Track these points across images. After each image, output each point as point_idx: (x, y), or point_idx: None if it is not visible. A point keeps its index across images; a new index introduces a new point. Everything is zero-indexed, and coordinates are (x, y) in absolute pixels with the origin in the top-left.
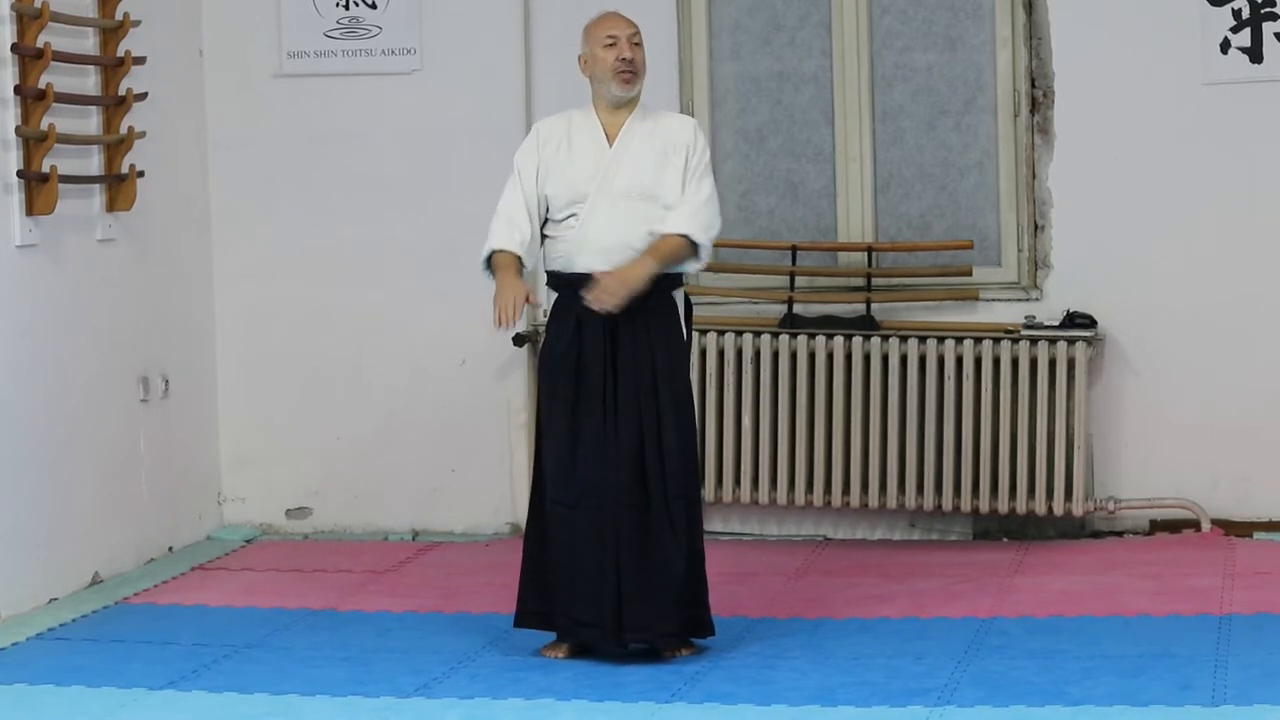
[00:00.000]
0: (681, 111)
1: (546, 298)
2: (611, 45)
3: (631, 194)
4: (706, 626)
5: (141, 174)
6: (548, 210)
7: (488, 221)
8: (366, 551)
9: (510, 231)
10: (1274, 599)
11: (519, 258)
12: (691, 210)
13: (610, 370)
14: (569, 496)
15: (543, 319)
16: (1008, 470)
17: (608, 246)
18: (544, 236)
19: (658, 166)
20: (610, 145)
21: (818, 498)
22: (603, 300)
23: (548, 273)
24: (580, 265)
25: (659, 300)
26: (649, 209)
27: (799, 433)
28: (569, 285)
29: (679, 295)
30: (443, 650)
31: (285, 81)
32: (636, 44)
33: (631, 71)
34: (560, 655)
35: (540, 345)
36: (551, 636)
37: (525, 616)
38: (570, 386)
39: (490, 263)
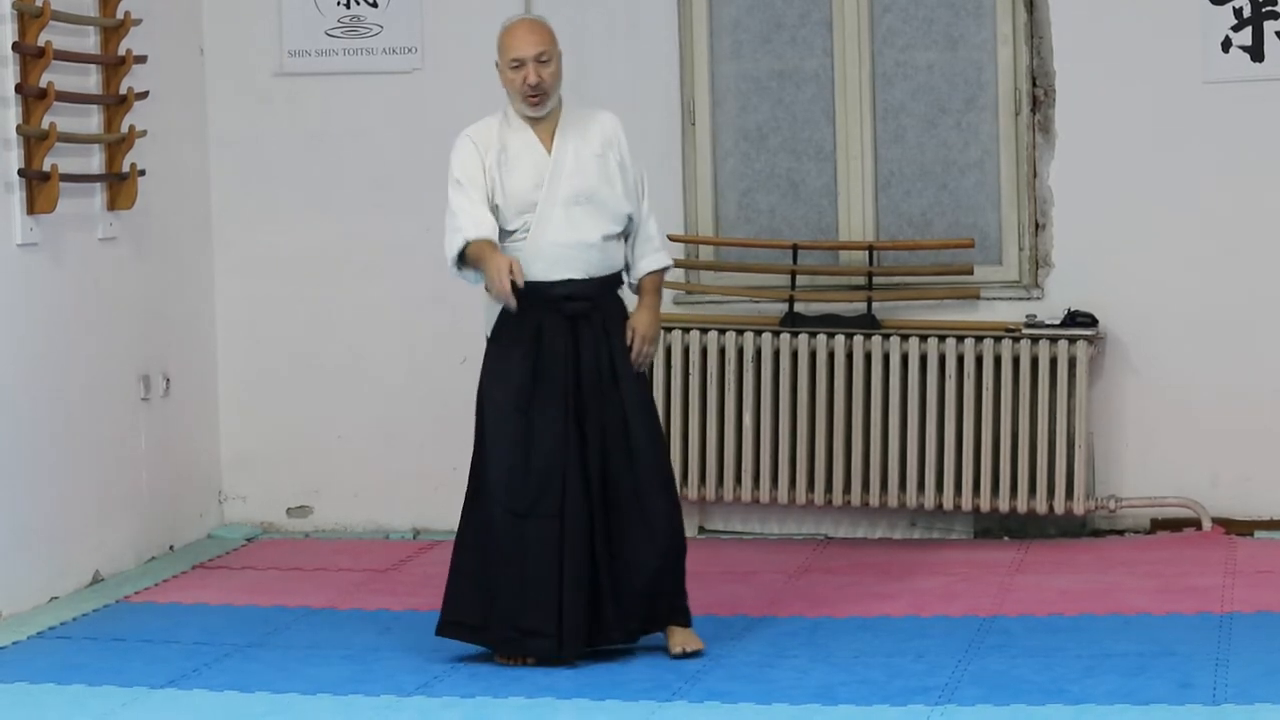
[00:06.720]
0: (683, 111)
1: (488, 308)
2: (518, 68)
3: (580, 199)
4: (683, 614)
5: (143, 173)
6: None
7: None
8: (367, 550)
9: (479, 226)
10: (1275, 598)
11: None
12: (657, 242)
13: (574, 375)
14: (521, 504)
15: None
16: (1009, 469)
17: (564, 254)
18: None
19: (599, 169)
20: (548, 152)
21: (818, 496)
22: (650, 358)
23: None
24: (537, 272)
25: (612, 301)
26: (598, 212)
27: (799, 432)
28: (523, 294)
29: (623, 293)
30: (443, 649)
31: (286, 80)
32: (544, 62)
33: (540, 94)
34: (520, 662)
35: (485, 352)
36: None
37: (452, 627)
38: (526, 392)
39: (463, 258)
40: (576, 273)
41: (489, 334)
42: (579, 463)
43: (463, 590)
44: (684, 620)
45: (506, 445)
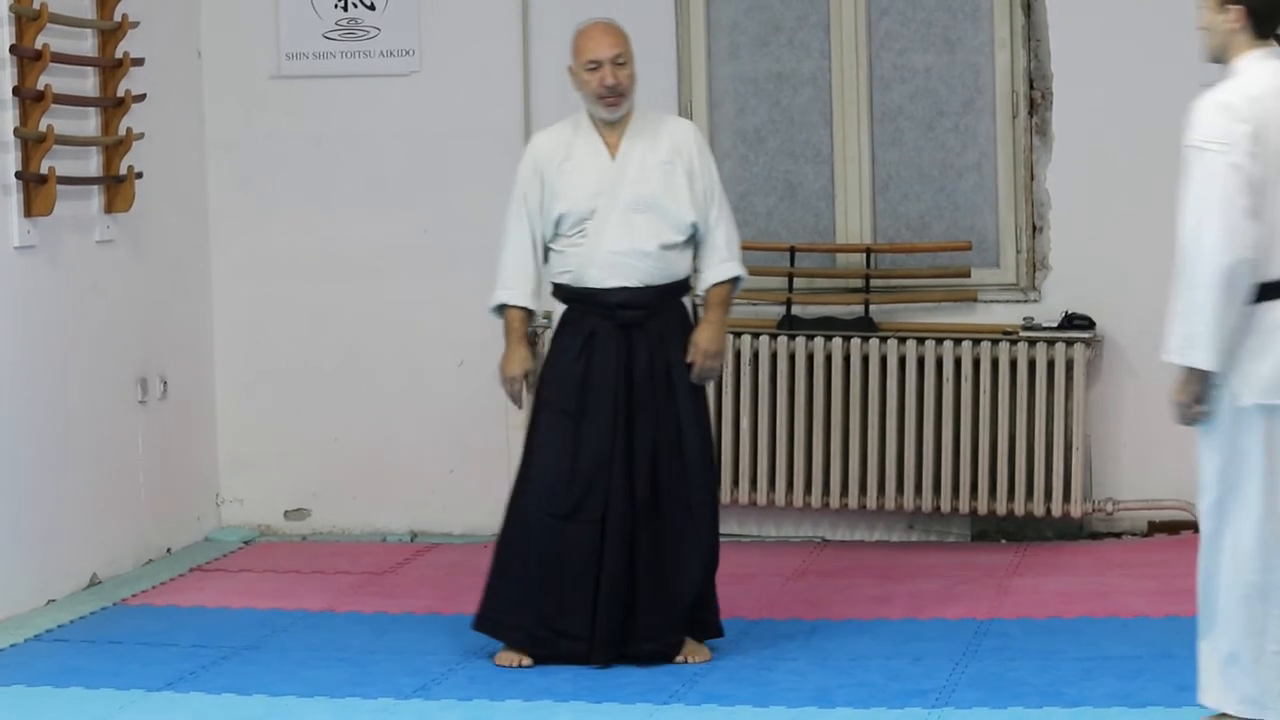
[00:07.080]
0: (680, 113)
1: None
2: (594, 69)
3: (640, 207)
4: (713, 628)
5: (140, 175)
6: (555, 227)
7: (485, 223)
8: (365, 553)
9: (520, 281)
10: None
11: (529, 312)
12: (727, 250)
13: (625, 383)
14: (563, 508)
15: (542, 321)
16: (1006, 472)
17: (620, 260)
18: (549, 250)
19: (663, 177)
20: (612, 158)
21: (816, 499)
22: (712, 373)
23: (555, 285)
24: (591, 279)
25: (672, 309)
26: (658, 220)
27: (797, 434)
28: (579, 299)
29: (687, 301)
30: (441, 651)
31: (283, 83)
32: (621, 64)
33: (617, 95)
34: (516, 664)
35: (543, 355)
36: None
37: (488, 623)
38: (576, 398)
39: (501, 310)
40: (631, 281)
41: (552, 333)
42: (625, 470)
43: (501, 588)
44: (703, 634)
45: (551, 448)
